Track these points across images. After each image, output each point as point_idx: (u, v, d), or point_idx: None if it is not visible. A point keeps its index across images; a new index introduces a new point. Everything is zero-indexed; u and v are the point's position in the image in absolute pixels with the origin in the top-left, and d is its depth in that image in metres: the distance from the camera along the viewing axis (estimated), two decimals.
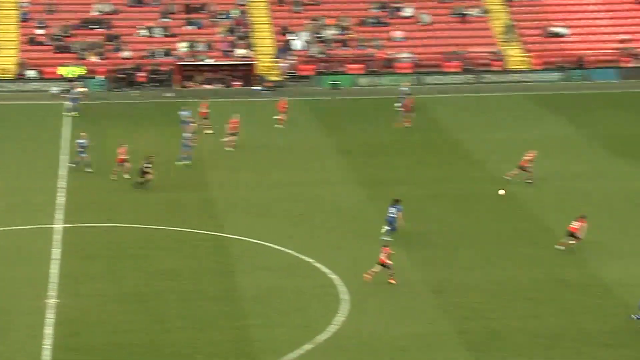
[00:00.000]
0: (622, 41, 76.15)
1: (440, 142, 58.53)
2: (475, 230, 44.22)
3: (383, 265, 37.95)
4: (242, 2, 79.05)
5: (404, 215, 42.74)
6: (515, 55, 75.78)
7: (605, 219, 45.17)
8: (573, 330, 34.65)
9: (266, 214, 46.56)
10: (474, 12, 79.03)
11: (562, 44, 76.85)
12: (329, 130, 61.16)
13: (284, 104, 62.26)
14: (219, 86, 73.04)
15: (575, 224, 41.15)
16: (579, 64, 74.72)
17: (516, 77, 74.07)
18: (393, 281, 38.00)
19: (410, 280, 38.80)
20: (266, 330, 34.52)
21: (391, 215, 42.65)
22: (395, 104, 63.17)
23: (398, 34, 77.38)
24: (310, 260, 40.63)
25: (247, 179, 51.64)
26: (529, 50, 76.13)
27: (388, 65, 75.02)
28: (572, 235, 41.09)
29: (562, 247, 41.18)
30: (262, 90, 71.86)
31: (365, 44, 76.30)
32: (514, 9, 79.34)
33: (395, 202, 42.95)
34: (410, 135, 59.96)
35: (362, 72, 74.50)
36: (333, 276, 38.99)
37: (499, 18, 78.64)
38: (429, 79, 73.47)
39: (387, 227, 42.52)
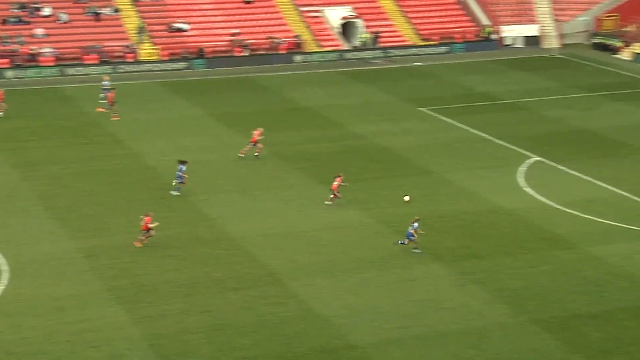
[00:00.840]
0: (233, 34, 78.11)
1: (86, 125, 57.16)
2: (121, 199, 43.86)
3: (146, 231, 37.63)
4: None
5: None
6: (145, 48, 75.55)
7: (230, 184, 46.31)
8: (207, 278, 35.44)
9: None
10: (107, 11, 77.71)
11: (184, 38, 77.56)
12: None
13: (1, 94, 58.41)
14: None
15: (335, 183, 42.67)
16: (200, 54, 75.82)
17: (148, 67, 73.81)
18: (139, 244, 37.72)
19: (66, 248, 37.89)
20: None
21: (179, 173, 43.74)
22: (101, 95, 61.22)
23: (39, 31, 74.56)
24: None
25: None
26: (157, 44, 76.13)
27: (32, 60, 72.19)
28: (333, 192, 42.72)
29: (330, 202, 42.73)
30: None
31: (9, 40, 72.87)
32: (142, 7, 78.95)
33: (182, 163, 43.76)
34: (57, 119, 58.18)
35: (8, 65, 71.21)
36: None
37: (130, 16, 77.99)
38: (71, 70, 71.58)
39: (176, 182, 44.08)
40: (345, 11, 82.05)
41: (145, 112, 60.79)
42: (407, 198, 39.56)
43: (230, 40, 77.41)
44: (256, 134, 50.37)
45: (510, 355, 30.15)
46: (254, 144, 50.12)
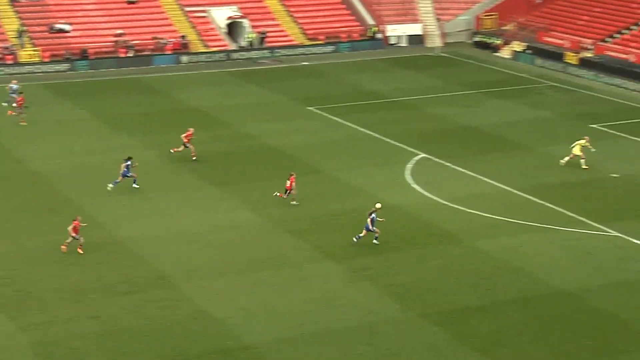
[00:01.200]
0: (117, 35, 76.83)
1: None
2: (3, 206, 42.60)
3: (73, 236, 36.69)
4: None
5: None
6: (26, 50, 73.60)
7: (118, 187, 45.35)
8: (96, 283, 34.76)
9: None
10: None
11: (66, 39, 75.89)
12: None
13: None
14: None
15: (288, 182, 42.32)
16: (83, 55, 74.32)
17: (29, 68, 72.00)
18: (81, 251, 36.80)
19: None
20: None
21: (125, 169, 43.99)
22: (4, 103, 59.33)
23: None
24: None
25: None
26: (37, 45, 74.28)
27: None
28: (288, 191, 42.41)
29: (286, 200, 42.60)
30: None
31: None
32: (21, 8, 76.89)
33: (128, 159, 44.26)
34: None
35: None
36: None
37: (8, 17, 75.83)
38: None
39: (120, 179, 44.12)
40: (231, 11, 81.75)
41: (28, 115, 59.12)
42: (378, 205, 39.71)
43: (115, 41, 76.14)
44: (185, 136, 49.49)
45: (401, 350, 30.59)
46: (186, 146, 49.38)
